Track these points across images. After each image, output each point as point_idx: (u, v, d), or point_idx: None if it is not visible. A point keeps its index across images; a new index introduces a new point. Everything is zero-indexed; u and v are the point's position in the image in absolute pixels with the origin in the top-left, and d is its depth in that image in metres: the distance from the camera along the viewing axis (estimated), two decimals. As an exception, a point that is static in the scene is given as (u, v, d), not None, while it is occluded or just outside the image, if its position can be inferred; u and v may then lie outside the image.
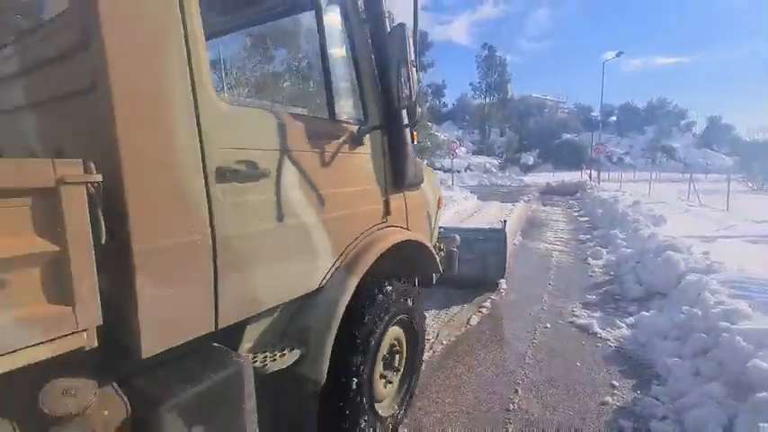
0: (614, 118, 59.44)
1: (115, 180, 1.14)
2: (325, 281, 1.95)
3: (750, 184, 24.05)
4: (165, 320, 1.28)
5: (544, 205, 15.46)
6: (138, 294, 1.20)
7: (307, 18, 2.04)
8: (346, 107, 2.18)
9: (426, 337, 3.27)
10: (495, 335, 3.99)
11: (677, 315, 3.70)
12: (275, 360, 1.70)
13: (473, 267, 4.83)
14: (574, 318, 4.32)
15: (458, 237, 3.86)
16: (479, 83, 49.97)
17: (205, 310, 1.41)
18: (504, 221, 5.73)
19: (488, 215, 11.43)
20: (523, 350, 3.64)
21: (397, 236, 2.36)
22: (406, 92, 2.05)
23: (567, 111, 63.47)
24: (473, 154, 42.81)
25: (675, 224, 8.52)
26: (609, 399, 2.89)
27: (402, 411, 2.55)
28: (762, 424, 2.04)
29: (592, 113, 56.44)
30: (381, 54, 2.20)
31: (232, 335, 1.62)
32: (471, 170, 34.69)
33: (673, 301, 4.20)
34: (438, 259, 2.92)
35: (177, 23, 1.30)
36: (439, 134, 32.19)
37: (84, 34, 1.17)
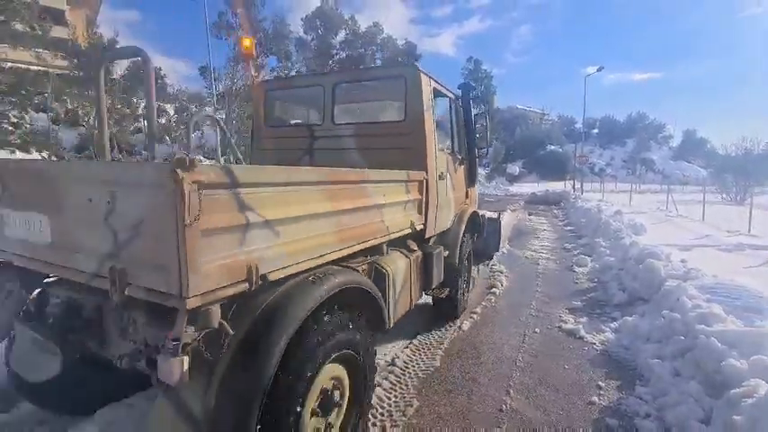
0: (596, 130, 61.23)
1: (422, 179, 3.39)
2: (452, 224, 4.33)
3: (723, 196, 25.05)
4: (431, 224, 3.58)
5: (530, 214, 15.80)
6: (427, 215, 3.49)
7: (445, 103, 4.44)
8: (455, 146, 4.51)
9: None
10: (487, 339, 4.12)
11: (658, 319, 3.91)
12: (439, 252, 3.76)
13: (480, 242, 6.36)
14: (561, 323, 4.49)
15: (486, 214, 6.09)
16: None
17: (434, 225, 3.70)
18: (499, 213, 7.85)
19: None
20: (514, 354, 3.78)
21: (473, 208, 5.06)
22: (482, 140, 5.08)
23: (550, 122, 65.09)
24: (460, 163, 43.46)
25: (655, 233, 8.88)
26: (596, 398, 3.04)
27: (467, 297, 4.99)
28: (735, 417, 2.21)
29: (574, 125, 58.07)
30: (467, 122, 4.74)
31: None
32: (459, 179, 35.18)
33: (654, 305, 4.42)
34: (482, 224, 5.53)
35: (432, 121, 3.63)
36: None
37: (409, 130, 3.56)
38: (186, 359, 1.36)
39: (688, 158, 58.73)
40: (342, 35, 31.70)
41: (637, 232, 8.49)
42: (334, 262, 2.15)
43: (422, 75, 3.53)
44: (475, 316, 4.69)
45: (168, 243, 1.30)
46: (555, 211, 17.07)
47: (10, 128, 15.77)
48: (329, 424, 2.06)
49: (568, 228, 12.11)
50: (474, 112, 4.86)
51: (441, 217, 3.86)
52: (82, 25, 24.24)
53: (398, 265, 2.93)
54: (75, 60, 18.33)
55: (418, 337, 4.05)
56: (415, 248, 3.38)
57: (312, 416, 1.92)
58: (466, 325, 4.41)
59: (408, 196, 3.13)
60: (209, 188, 1.35)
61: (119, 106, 16.64)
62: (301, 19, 31.25)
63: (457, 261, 4.20)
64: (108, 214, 1.46)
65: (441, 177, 3.80)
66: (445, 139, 4.31)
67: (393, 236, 2.88)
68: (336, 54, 31.79)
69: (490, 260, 6.75)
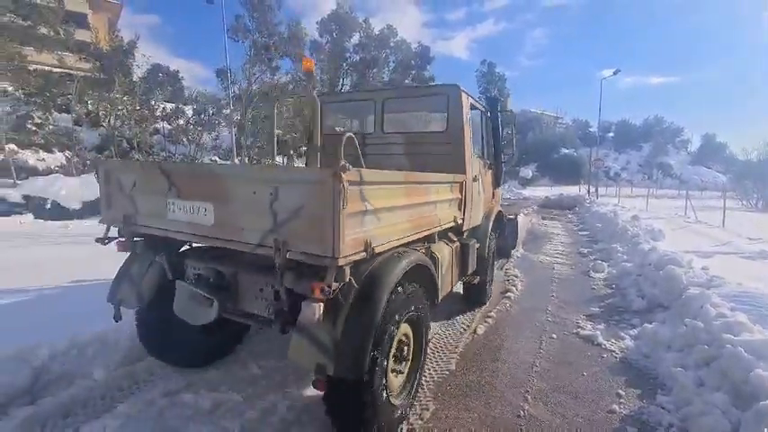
0: (611, 134, 60.21)
1: (462, 181, 3.91)
2: (481, 221, 4.83)
3: (744, 202, 24.35)
4: (467, 219, 4.09)
5: (543, 219, 15.60)
6: (465, 212, 4.00)
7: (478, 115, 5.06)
8: (484, 152, 5.08)
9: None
10: (503, 344, 4.07)
11: (680, 327, 3.81)
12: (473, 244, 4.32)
13: (500, 240, 6.65)
14: (578, 329, 4.41)
15: (506, 214, 6.61)
16: (479, 97, 50.45)
17: (469, 220, 4.19)
18: (516, 214, 7.95)
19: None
20: (531, 360, 3.72)
21: (498, 207, 5.61)
22: (508, 147, 5.72)
23: (564, 126, 64.24)
24: (472, 166, 43.12)
25: (674, 239, 8.68)
26: (616, 407, 2.98)
27: (491, 287, 5.52)
28: (765, 429, 2.13)
29: (589, 129, 57.19)
30: (495, 131, 5.35)
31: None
32: (471, 182, 34.92)
33: (675, 313, 4.31)
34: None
35: (470, 131, 4.29)
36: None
37: (450, 139, 4.18)
38: (321, 305, 1.98)
39: (706, 164, 57.33)
40: (356, 38, 31.84)
41: (655, 238, 8.30)
42: (405, 245, 2.71)
43: (462, 93, 4.17)
44: (490, 320, 4.64)
45: (325, 221, 1.87)
46: (569, 216, 16.82)
47: (34, 128, 16.26)
48: (400, 370, 2.66)
49: (583, 233, 11.92)
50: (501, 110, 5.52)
51: (474, 214, 4.41)
52: (104, 29, 24.88)
53: (444, 253, 3.52)
54: (98, 63, 18.81)
55: (433, 340, 4.03)
56: (455, 240, 3.93)
57: (392, 359, 2.51)
58: (481, 329, 4.37)
59: (452, 195, 3.68)
60: (351, 185, 1.90)
61: (138, 108, 16.98)
62: (316, 22, 31.52)
63: (486, 253, 4.82)
64: (272, 202, 2.02)
65: (475, 179, 4.35)
66: (477, 146, 4.74)
67: (442, 227, 3.42)
68: (350, 57, 31.93)
69: (508, 258, 7.14)
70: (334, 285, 1.96)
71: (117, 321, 2.87)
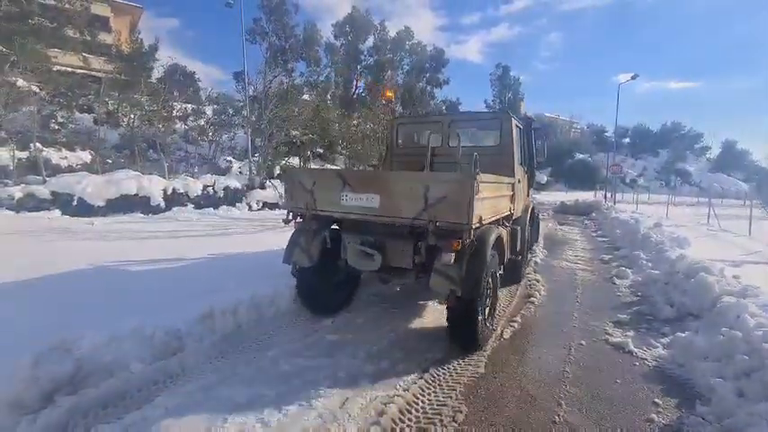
0: (628, 139, 59.24)
1: (513, 182, 5.14)
2: (521, 213, 5.99)
3: (768, 211, 23.65)
4: (515, 211, 5.27)
5: (560, 224, 15.40)
6: (514, 204, 5.20)
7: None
8: (523, 159, 6.14)
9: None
10: (530, 349, 4.02)
11: (715, 336, 3.71)
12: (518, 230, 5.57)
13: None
14: (607, 336, 4.34)
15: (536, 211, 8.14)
16: (493, 101, 50.20)
17: (516, 212, 5.45)
18: (539, 212, 9.01)
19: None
20: (561, 366, 3.67)
21: (531, 204, 6.98)
22: (539, 155, 7.11)
23: (579, 131, 63.47)
24: (485, 170, 42.82)
25: (699, 247, 8.47)
26: (654, 416, 2.91)
27: (525, 268, 6.75)
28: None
29: (605, 134, 56.37)
30: (529, 142, 6.56)
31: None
32: (483, 186, 34.63)
33: (708, 322, 4.20)
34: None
35: (517, 145, 5.69)
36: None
37: (502, 152, 5.56)
38: (454, 254, 3.36)
39: (727, 171, 56.00)
40: (370, 41, 32.00)
41: (680, 245, 8.12)
42: (490, 224, 3.99)
43: (511, 118, 5.55)
44: (515, 324, 4.58)
45: (463, 204, 3.19)
46: (586, 222, 16.55)
47: (57, 127, 16.70)
48: (488, 304, 4.06)
49: (603, 239, 11.72)
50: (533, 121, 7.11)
51: (518, 207, 5.50)
52: (125, 32, 25.50)
53: (503, 233, 4.49)
54: (119, 64, 19.27)
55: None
56: (508, 225, 4.96)
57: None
58: (507, 333, 4.33)
59: (508, 192, 4.82)
60: (479, 182, 3.22)
61: (155, 108, 17.26)
62: (332, 24, 31.80)
63: (525, 238, 6.10)
64: (425, 193, 3.28)
65: (519, 181, 5.51)
66: (518, 156, 5.80)
67: (503, 215, 4.62)
68: (364, 59, 32.11)
69: (531, 250, 8.01)
70: (467, 242, 3.26)
71: (294, 276, 4.34)
